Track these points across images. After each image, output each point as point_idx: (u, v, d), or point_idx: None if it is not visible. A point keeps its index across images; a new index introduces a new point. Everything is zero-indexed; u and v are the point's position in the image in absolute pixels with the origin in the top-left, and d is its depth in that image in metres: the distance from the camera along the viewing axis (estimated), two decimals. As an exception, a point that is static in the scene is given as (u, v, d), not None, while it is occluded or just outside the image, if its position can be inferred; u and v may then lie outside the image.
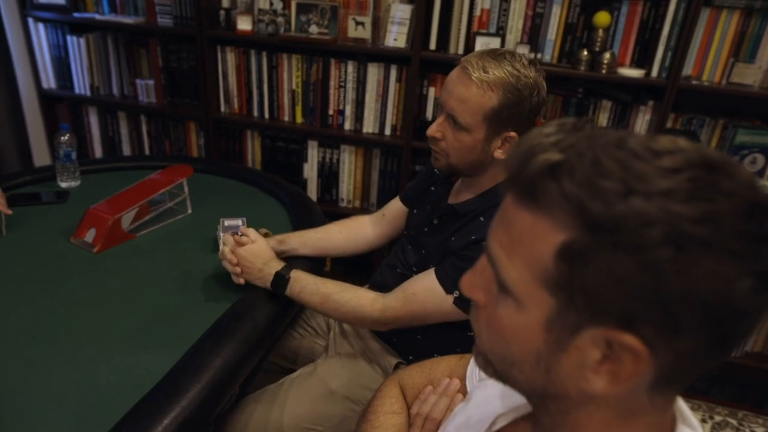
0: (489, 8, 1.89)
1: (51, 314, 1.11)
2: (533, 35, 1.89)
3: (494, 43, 1.90)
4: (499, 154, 1.03)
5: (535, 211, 0.41)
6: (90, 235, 1.33)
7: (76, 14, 2.19)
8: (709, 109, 1.92)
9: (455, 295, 1.03)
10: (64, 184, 1.63)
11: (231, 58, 2.15)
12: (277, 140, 2.24)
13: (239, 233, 1.22)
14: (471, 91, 0.98)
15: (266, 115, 2.21)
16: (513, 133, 1.01)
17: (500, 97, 0.97)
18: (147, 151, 2.42)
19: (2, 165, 2.20)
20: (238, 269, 1.18)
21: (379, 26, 2.03)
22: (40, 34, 2.27)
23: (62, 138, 1.58)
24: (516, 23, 1.89)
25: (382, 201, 2.21)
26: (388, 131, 2.12)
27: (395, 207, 1.34)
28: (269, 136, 2.25)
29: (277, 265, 1.16)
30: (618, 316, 0.39)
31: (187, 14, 2.09)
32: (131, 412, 0.88)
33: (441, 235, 1.12)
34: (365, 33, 2.01)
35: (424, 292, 1.06)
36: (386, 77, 2.05)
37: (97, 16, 2.18)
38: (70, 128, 1.62)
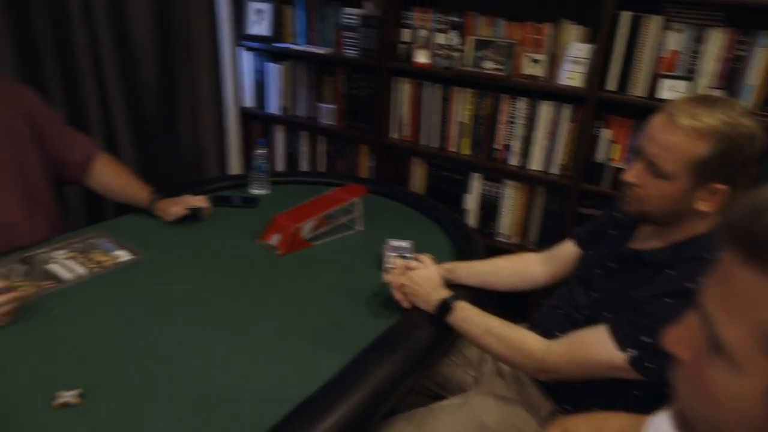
0: (679, 50, 1.79)
1: (236, 306, 1.25)
2: (729, 79, 1.74)
3: (680, 86, 1.78)
4: (703, 206, 0.96)
5: (762, 273, 0.39)
6: (275, 240, 1.48)
7: (275, 44, 2.48)
8: None
9: (630, 353, 0.96)
10: (255, 191, 1.83)
11: (407, 88, 2.27)
12: (442, 169, 2.31)
13: (410, 257, 1.27)
14: (678, 137, 0.93)
15: (434, 144, 2.29)
16: (721, 186, 0.94)
17: (711, 146, 0.91)
18: (322, 169, 2.64)
19: (205, 170, 2.54)
20: (399, 295, 1.24)
21: (554, 64, 2.02)
22: (246, 61, 2.60)
23: (259, 151, 1.78)
24: (708, 66, 1.76)
25: (543, 240, 2.16)
26: (554, 170, 2.08)
27: (567, 248, 1.31)
28: (435, 165, 2.33)
29: (445, 293, 1.20)
30: None
31: (371, 47, 2.26)
32: (298, 408, 0.94)
33: (619, 283, 1.07)
34: (540, 70, 2.01)
35: (593, 343, 1.01)
36: (558, 115, 2.02)
37: (293, 46, 2.45)
38: (266, 143, 1.83)
